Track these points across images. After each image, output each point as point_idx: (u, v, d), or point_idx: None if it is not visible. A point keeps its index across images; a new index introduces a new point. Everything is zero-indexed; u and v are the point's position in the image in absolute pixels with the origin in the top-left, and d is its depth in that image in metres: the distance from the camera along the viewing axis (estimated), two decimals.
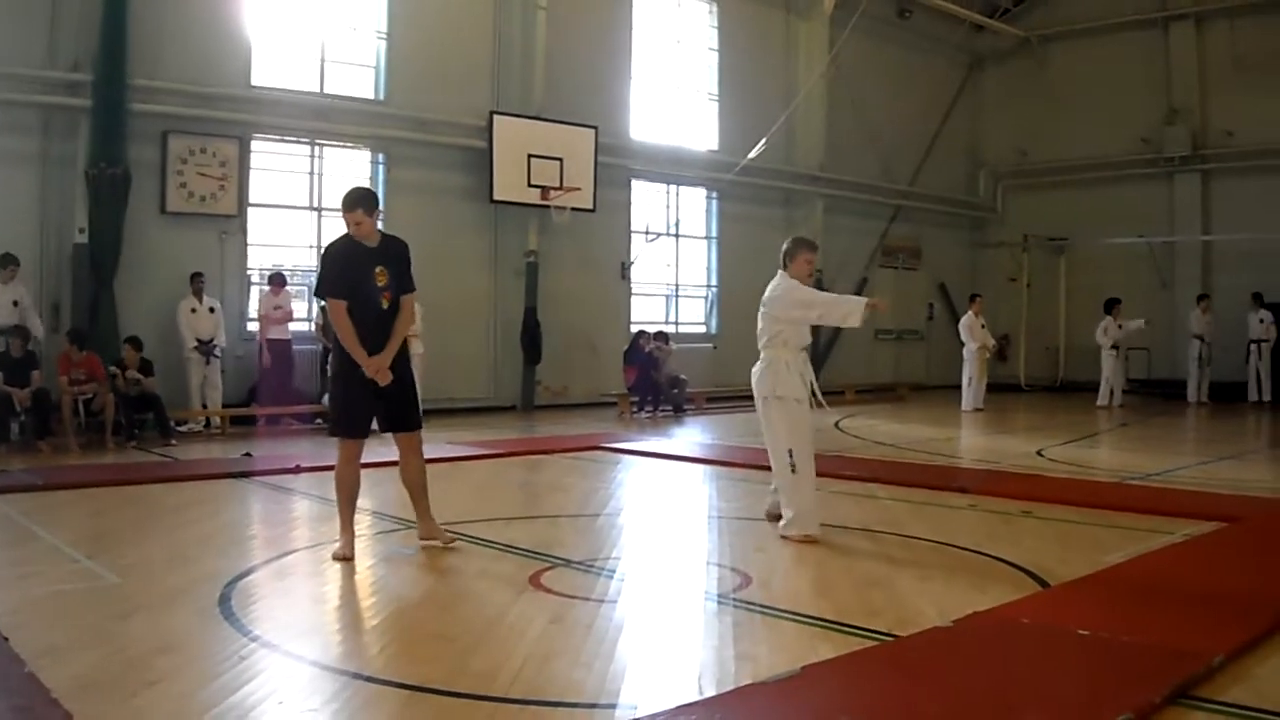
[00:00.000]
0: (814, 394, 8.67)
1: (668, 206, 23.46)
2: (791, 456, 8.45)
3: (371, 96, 18.84)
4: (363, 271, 7.53)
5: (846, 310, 8.67)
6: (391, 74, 18.87)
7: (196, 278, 15.97)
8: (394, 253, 7.73)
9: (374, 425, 7.87)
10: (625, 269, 22.31)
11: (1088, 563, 7.32)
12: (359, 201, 7.57)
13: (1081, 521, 9.00)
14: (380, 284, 7.55)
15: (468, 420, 17.93)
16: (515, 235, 20.39)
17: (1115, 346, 22.14)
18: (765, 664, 5.19)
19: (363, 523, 8.05)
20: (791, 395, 8.51)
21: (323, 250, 7.68)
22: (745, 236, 24.14)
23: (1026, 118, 28.61)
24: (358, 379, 7.52)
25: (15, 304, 14.53)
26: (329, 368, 7.89)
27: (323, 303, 16.76)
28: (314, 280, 17.80)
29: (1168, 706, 4.51)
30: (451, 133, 19.45)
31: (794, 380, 8.54)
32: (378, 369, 7.49)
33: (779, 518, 8.60)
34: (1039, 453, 14.19)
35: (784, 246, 8.85)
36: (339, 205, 7.64)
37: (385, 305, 7.60)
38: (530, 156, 19.77)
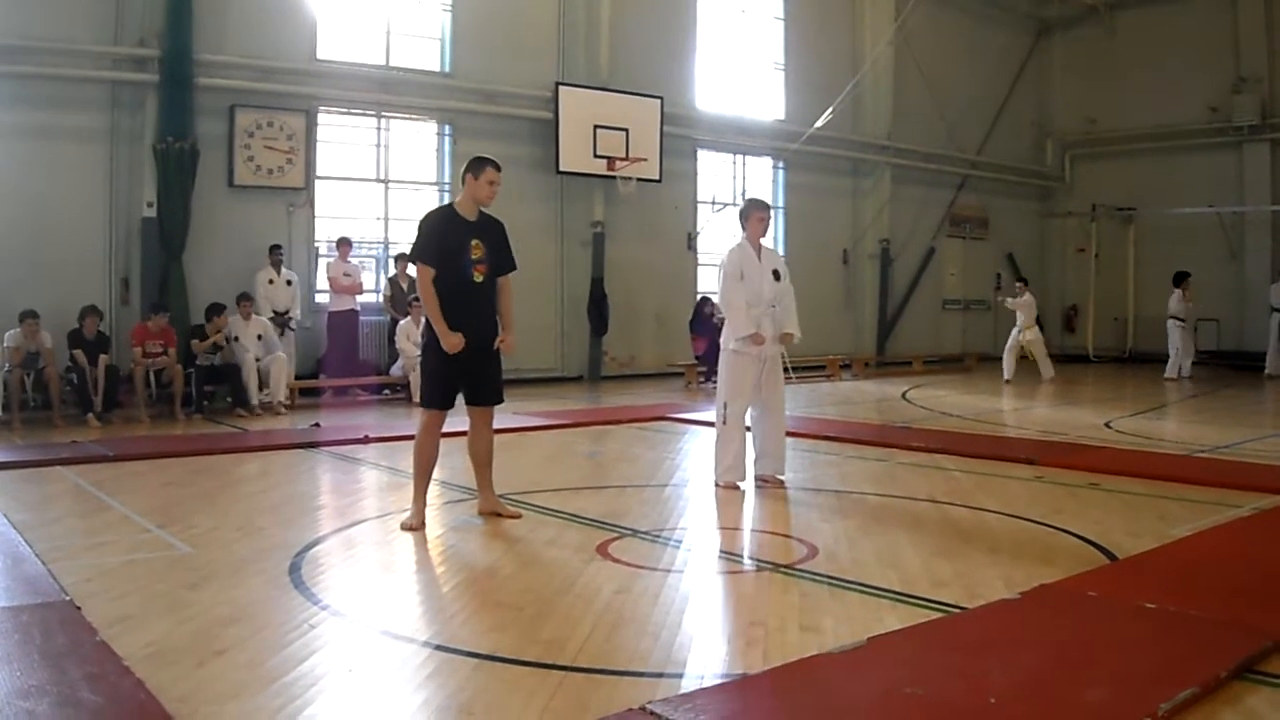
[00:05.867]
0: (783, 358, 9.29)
1: (734, 176, 23.43)
2: (725, 409, 9.16)
3: (437, 69, 18.93)
4: (459, 242, 7.54)
5: (734, 321, 9.14)
6: (457, 46, 18.94)
7: (275, 250, 16.19)
8: (492, 230, 7.73)
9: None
10: (691, 239, 22.29)
11: (1155, 536, 7.28)
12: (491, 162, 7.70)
13: (1149, 494, 8.93)
14: (475, 257, 7.54)
15: (535, 391, 17.98)
16: (581, 206, 20.46)
17: (1182, 319, 21.73)
18: (831, 635, 5.19)
19: (431, 492, 8.08)
20: (739, 348, 9.07)
21: (421, 218, 7.73)
22: (812, 206, 24.17)
23: (1094, 86, 28.22)
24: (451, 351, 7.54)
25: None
26: (421, 338, 7.89)
27: (392, 274, 17.12)
28: (381, 251, 18.19)
29: (1233, 681, 4.48)
30: (517, 104, 19.52)
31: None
32: (457, 345, 7.43)
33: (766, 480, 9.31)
34: (1107, 424, 14.07)
35: (739, 208, 9.34)
36: (466, 170, 7.76)
37: (478, 279, 7.58)
38: (596, 127, 19.81)
